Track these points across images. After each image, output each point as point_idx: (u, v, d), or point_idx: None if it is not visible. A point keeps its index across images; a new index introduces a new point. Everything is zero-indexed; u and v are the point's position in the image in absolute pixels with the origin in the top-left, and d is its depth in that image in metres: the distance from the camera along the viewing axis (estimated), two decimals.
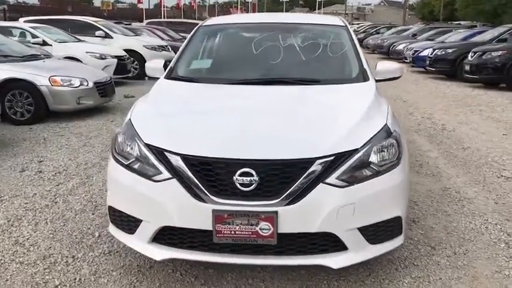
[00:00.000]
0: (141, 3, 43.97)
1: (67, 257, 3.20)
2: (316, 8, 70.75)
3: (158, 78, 3.87)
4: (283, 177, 2.48)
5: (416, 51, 17.00)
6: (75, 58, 10.49)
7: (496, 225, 3.71)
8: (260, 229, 2.47)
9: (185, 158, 2.54)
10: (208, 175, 2.51)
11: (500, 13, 34.66)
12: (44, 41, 10.79)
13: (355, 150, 2.59)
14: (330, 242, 2.57)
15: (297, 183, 2.46)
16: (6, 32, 10.43)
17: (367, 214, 2.58)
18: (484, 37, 14.82)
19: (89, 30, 13.26)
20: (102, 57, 11.04)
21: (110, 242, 3.39)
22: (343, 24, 4.24)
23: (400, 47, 20.90)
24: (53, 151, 5.79)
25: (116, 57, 11.41)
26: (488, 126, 7.51)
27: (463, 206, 4.10)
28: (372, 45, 27.67)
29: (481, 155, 5.75)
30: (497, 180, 4.82)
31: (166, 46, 14.36)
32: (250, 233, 2.48)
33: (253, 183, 2.46)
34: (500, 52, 11.93)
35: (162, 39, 16.11)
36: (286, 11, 68.58)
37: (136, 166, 2.71)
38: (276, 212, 2.44)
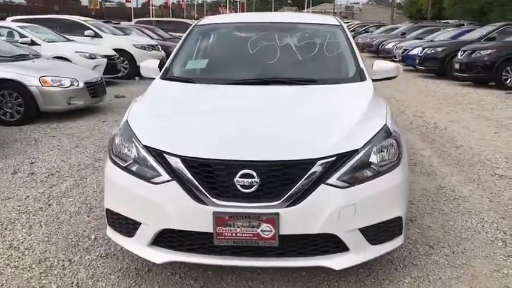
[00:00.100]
0: (129, 2, 43.69)
1: (63, 260, 3.16)
2: (305, 6, 70.83)
3: (152, 78, 3.83)
4: (284, 179, 2.46)
5: (405, 49, 17.11)
6: (65, 58, 10.37)
7: (492, 223, 3.73)
8: (261, 231, 2.45)
9: (185, 159, 2.51)
10: (209, 177, 2.49)
11: (487, 12, 34.96)
12: (32, 40, 10.64)
13: (356, 151, 2.58)
14: (331, 243, 2.55)
15: (298, 185, 2.45)
16: None
17: (368, 215, 2.57)
18: (472, 36, 14.94)
19: (77, 29, 13.12)
20: (91, 56, 10.93)
21: (106, 244, 3.35)
22: (338, 24, 4.24)
23: (390, 45, 21.03)
24: (45, 152, 5.72)
25: (105, 56, 11.31)
26: (480, 125, 7.56)
27: (458, 205, 4.11)
28: (361, 44, 27.72)
29: (474, 154, 5.79)
30: (491, 178, 4.85)
31: (156, 45, 14.30)
32: (251, 235, 2.45)
33: (254, 185, 2.43)
34: (490, 51, 12.04)
35: (152, 38, 16.03)
36: (274, 10, 68.58)
37: (134, 168, 2.67)
38: (278, 214, 2.42)
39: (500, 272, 3.02)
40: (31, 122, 7.25)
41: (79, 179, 4.75)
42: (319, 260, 2.57)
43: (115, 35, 13.91)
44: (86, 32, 12.94)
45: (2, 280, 2.92)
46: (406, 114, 8.51)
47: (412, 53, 16.13)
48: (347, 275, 2.92)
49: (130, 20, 27.74)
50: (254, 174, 2.43)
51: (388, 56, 19.68)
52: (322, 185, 2.46)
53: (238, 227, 2.45)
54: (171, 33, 18.91)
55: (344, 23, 4.53)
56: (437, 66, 14.33)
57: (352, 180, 2.53)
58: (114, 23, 18.69)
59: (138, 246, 2.69)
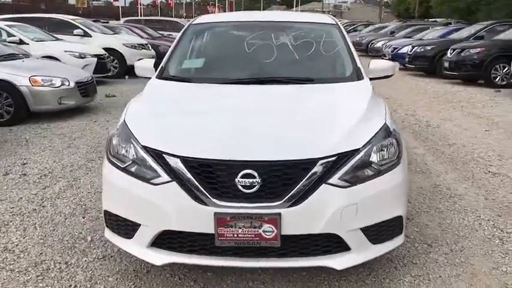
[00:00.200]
0: (117, 1, 43.36)
1: (60, 263, 3.11)
2: (294, 5, 70.83)
3: (147, 78, 3.79)
4: (285, 179, 2.45)
5: (395, 48, 17.21)
6: (54, 57, 10.26)
7: (489, 221, 3.75)
8: (263, 231, 2.43)
9: (185, 160, 2.48)
10: (210, 177, 2.46)
11: (474, 10, 35.29)
12: (21, 39, 10.52)
13: (357, 150, 2.57)
14: (333, 243, 2.54)
15: (299, 184, 2.43)
16: None
17: (369, 214, 2.57)
18: (461, 34, 15.05)
19: (66, 28, 13.01)
20: (81, 56, 10.85)
21: (103, 246, 3.31)
22: (334, 23, 4.23)
23: (379, 44, 21.13)
24: (36, 153, 5.65)
25: (95, 56, 11.22)
26: (471, 123, 7.62)
27: (454, 203, 4.13)
28: None
29: (467, 151, 5.82)
30: (485, 176, 4.89)
31: (146, 44, 14.21)
32: (253, 235, 2.43)
33: (255, 185, 2.41)
34: (479, 49, 12.14)
35: (141, 37, 15.92)
36: (263, 9, 68.55)
37: (133, 169, 2.63)
38: (280, 214, 2.40)
39: (499, 269, 3.03)
40: (21, 122, 7.16)
41: (72, 180, 4.70)
42: (320, 260, 2.55)
43: (105, 34, 13.80)
44: (75, 31, 12.84)
45: None
46: (398, 112, 8.54)
47: (401, 51, 16.22)
48: (347, 274, 2.91)
49: (118, 19, 27.53)
50: (255, 174, 2.41)
51: (377, 54, 19.76)
52: (323, 185, 2.45)
53: (240, 228, 2.42)
54: (160, 32, 18.81)
55: None
56: (427, 64, 14.42)
57: (354, 179, 2.52)
58: (103, 22, 18.53)
59: (137, 247, 2.66)
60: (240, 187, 2.42)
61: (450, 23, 25.81)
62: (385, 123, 2.83)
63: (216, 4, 65.76)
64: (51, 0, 46.69)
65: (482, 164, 5.28)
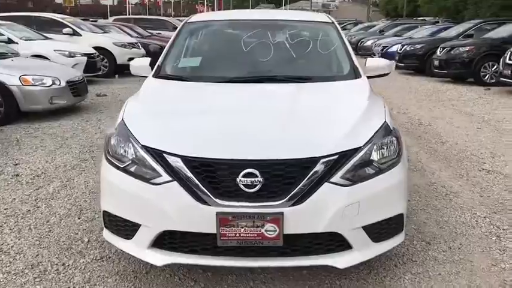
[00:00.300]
0: None
1: (57, 264, 3.07)
2: (282, 4, 70.86)
3: (143, 76, 3.76)
4: (287, 178, 2.43)
5: (385, 47, 17.29)
6: (43, 56, 10.15)
7: (485, 218, 3.77)
8: (266, 231, 2.41)
9: (186, 159, 2.46)
10: (211, 177, 2.44)
11: (461, 9, 35.62)
12: (9, 38, 10.36)
13: (358, 149, 2.57)
14: (335, 242, 2.54)
15: (301, 183, 2.42)
16: None
17: (371, 212, 2.57)
18: (450, 33, 15.17)
19: (55, 27, 12.86)
20: (71, 55, 10.74)
21: (100, 247, 3.27)
22: (330, 21, 4.22)
23: (369, 43, 21.20)
24: (28, 153, 5.58)
25: (85, 55, 11.11)
26: (462, 121, 7.67)
27: (450, 200, 4.15)
28: None
29: (460, 149, 5.86)
30: (479, 173, 4.92)
31: (136, 43, 14.11)
32: (255, 235, 2.42)
33: (257, 184, 2.39)
34: (468, 47, 12.24)
35: (131, 36, 15.80)
36: (252, 7, 68.47)
37: (132, 169, 2.60)
38: (282, 213, 2.39)
39: (497, 266, 3.05)
40: (12, 122, 7.07)
41: (66, 180, 4.64)
42: (323, 259, 2.54)
43: (94, 33, 13.67)
44: (64, 30, 12.70)
45: None
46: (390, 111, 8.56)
47: (391, 50, 16.30)
48: (348, 272, 2.91)
49: (106, 18, 27.32)
50: (257, 173, 2.39)
51: (367, 53, 19.84)
52: (325, 184, 2.44)
53: (242, 227, 2.41)
54: (150, 31, 18.72)
55: None
56: (417, 63, 14.51)
57: (355, 178, 2.51)
58: (92, 21, 18.37)
59: (137, 248, 2.63)
60: (241, 186, 2.40)
61: (438, 22, 26.02)
62: (385, 122, 2.83)
63: (205, 3, 65.57)
64: None
65: (476, 162, 5.32)
